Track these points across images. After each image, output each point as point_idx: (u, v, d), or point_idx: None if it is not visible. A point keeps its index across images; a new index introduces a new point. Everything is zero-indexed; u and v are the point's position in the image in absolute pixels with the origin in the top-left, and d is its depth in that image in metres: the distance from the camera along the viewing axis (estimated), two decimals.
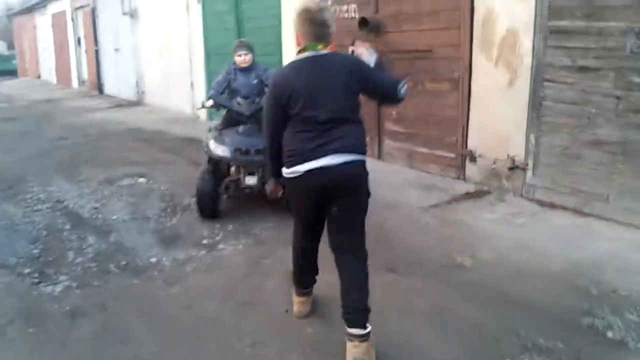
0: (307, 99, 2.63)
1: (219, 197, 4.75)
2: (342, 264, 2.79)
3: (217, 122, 5.22)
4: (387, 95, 2.89)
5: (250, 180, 4.53)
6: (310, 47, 2.70)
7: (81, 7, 17.10)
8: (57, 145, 8.37)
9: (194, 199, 4.88)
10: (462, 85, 5.52)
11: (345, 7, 6.73)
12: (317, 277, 3.15)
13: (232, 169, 4.71)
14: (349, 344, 2.62)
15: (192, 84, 10.93)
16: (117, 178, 6.28)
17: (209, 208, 4.73)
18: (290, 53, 7.85)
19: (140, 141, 8.63)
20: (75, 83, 18.86)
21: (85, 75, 18.07)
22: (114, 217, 4.94)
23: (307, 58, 2.70)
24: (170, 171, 6.57)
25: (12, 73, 27.41)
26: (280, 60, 8.08)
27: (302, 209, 2.86)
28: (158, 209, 5.16)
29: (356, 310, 2.66)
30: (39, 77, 24.01)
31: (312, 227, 2.92)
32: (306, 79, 2.65)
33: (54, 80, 21.44)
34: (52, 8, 20.13)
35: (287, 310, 3.17)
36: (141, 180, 6.22)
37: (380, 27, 6.27)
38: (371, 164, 2.97)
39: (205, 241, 4.28)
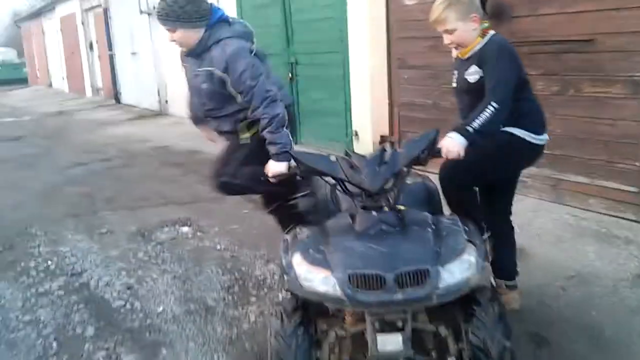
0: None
1: None
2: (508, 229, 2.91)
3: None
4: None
5: (390, 344, 2.07)
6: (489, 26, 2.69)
7: (92, 7, 15.51)
8: (71, 176, 6.71)
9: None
10: None
11: None
12: None
13: (347, 316, 2.29)
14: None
15: None
16: (152, 228, 4.62)
17: None
18: (361, 52, 6.11)
19: (172, 166, 6.97)
20: (89, 92, 17.29)
21: (99, 83, 16.49)
22: (159, 308, 3.27)
23: None
24: (221, 215, 4.89)
25: (23, 82, 26.04)
26: (346, 62, 6.37)
27: (509, 170, 2.83)
28: (220, 287, 3.50)
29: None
30: (50, 85, 22.54)
31: None
32: None
33: (66, 88, 19.93)
34: (60, 11, 18.56)
35: None
36: (185, 230, 4.56)
37: (505, 11, 4.53)
38: None
39: None
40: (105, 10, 14.21)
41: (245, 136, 2.96)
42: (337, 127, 6.75)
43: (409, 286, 1.96)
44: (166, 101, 11.82)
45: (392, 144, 6.05)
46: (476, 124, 2.36)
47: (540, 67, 4.39)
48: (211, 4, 2.65)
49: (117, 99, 14.62)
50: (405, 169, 2.25)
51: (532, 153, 2.76)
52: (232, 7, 8.50)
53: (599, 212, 4.22)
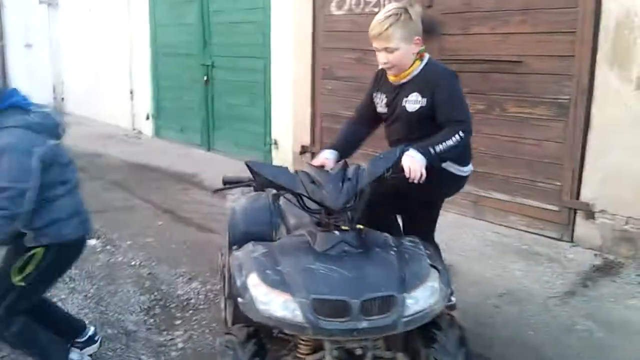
0: None
1: None
2: None
3: (243, 199, 2.74)
4: None
5: None
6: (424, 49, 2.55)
7: None
8: None
9: None
10: (576, 112, 3.93)
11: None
12: None
13: (301, 343, 2.07)
14: None
15: (132, 92, 8.75)
16: None
17: None
18: (284, 59, 5.95)
19: None
20: None
21: None
22: None
23: None
24: (133, 226, 4.52)
25: None
26: (267, 68, 6.17)
27: (432, 199, 2.73)
28: (140, 309, 3.18)
29: None
30: None
31: None
32: None
33: None
34: None
35: None
36: (93, 243, 4.12)
37: (435, 28, 4.56)
38: None
39: None
40: None
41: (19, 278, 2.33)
42: (256, 135, 6.52)
43: (374, 314, 1.82)
44: (62, 99, 10.97)
45: (313, 154, 5.94)
46: (440, 148, 2.29)
47: (467, 86, 4.32)
48: (6, 88, 2.33)
49: None
50: (368, 188, 2.10)
51: (456, 184, 2.72)
52: (145, 3, 8.04)
53: (519, 229, 4.32)
